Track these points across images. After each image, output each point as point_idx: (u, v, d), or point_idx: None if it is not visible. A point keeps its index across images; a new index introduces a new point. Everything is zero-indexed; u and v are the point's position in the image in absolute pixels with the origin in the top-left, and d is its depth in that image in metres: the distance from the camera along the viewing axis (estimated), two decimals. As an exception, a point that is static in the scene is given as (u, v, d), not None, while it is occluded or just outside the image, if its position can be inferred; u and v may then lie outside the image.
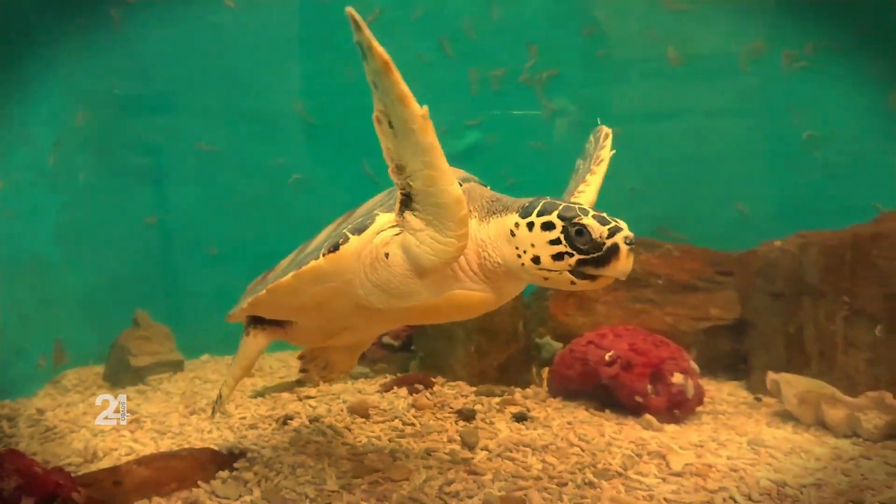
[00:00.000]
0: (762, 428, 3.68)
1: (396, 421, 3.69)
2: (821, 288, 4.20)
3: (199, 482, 2.81)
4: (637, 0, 6.05)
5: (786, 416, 3.83)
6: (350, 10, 1.70)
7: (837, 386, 3.86)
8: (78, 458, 3.18)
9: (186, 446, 3.31)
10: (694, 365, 3.95)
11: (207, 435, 3.55)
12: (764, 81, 5.80)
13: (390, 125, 1.91)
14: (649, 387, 3.80)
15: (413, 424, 3.64)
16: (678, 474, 2.95)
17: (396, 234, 2.18)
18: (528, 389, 4.34)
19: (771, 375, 3.98)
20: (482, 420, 3.70)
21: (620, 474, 2.95)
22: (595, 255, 2.00)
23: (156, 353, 5.00)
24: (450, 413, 3.81)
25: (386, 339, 4.90)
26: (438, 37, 6.02)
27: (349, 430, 3.55)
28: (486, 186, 2.40)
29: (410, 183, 2.01)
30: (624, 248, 1.98)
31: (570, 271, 2.05)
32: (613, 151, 2.77)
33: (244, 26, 5.95)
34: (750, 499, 2.72)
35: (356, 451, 3.19)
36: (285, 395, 4.30)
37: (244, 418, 3.80)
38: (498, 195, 2.31)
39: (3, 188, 4.76)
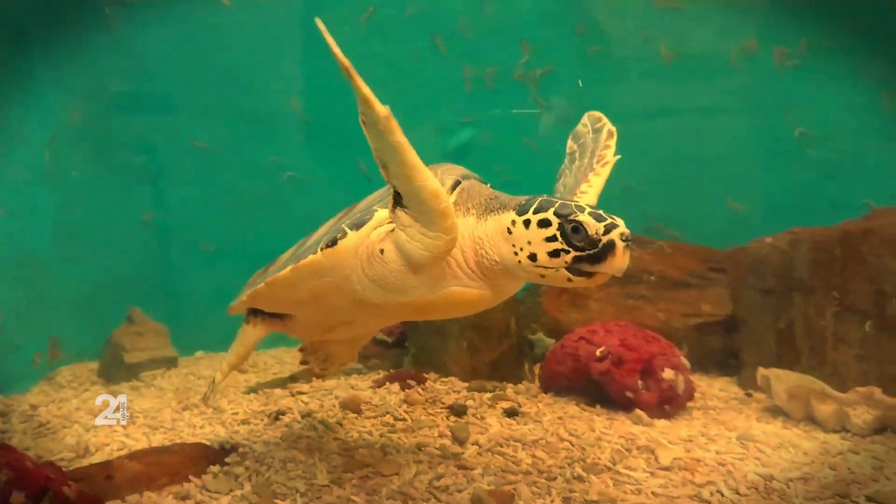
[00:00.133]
0: (752, 423, 3.70)
1: (388, 416, 3.71)
2: (811, 284, 4.21)
3: (191, 477, 2.82)
4: (630, -2, 6.08)
5: (776, 412, 3.85)
6: (318, 20, 1.74)
7: (827, 381, 3.87)
8: (70, 454, 3.19)
9: (178, 441, 3.32)
10: (684, 360, 3.97)
11: (199, 430, 3.56)
12: (757, 79, 5.81)
13: None
14: (640, 382, 3.82)
15: (404, 420, 3.66)
16: (666, 468, 2.98)
17: (391, 231, 2.19)
18: (520, 385, 4.36)
19: (761, 371, 4.00)
20: (473, 415, 3.72)
21: (609, 468, 2.97)
22: (591, 252, 2.00)
23: (149, 350, 5.01)
24: (441, 408, 3.83)
25: (380, 336, 4.90)
26: (432, 34, 6.03)
27: (341, 425, 3.56)
28: (486, 184, 2.41)
29: (393, 181, 2.03)
30: (620, 244, 1.98)
31: (566, 268, 2.05)
32: (618, 157, 2.73)
33: (240, 25, 5.95)
34: (737, 492, 2.74)
35: (347, 446, 3.21)
36: (278, 390, 4.32)
37: (236, 414, 3.82)
38: (496, 193, 2.31)
39: (-1, 186, 4.78)
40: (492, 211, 2.21)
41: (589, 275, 2.05)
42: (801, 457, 3.14)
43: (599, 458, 3.08)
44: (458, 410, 3.75)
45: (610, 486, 2.79)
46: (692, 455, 3.13)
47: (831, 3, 5.23)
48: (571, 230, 2.01)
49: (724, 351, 4.79)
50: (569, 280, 2.07)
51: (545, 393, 4.20)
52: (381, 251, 2.20)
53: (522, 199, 2.17)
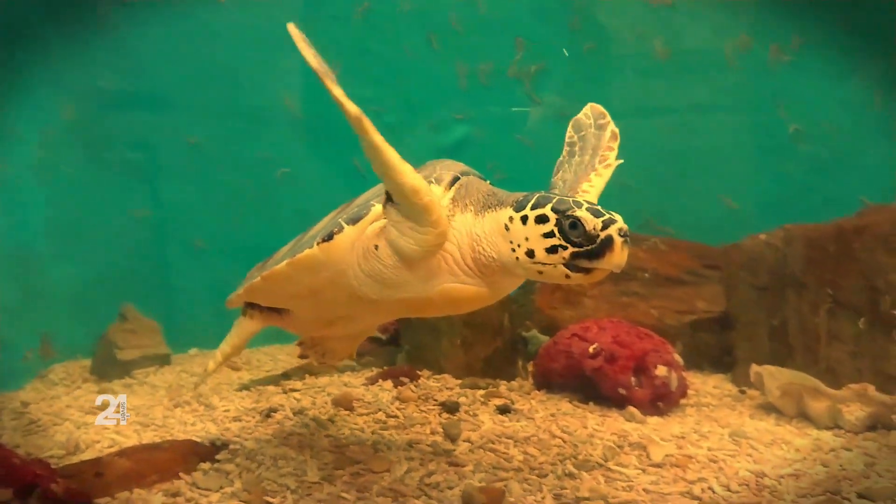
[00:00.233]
0: (745, 420, 3.70)
1: (380, 413, 3.69)
2: (804, 281, 4.22)
3: (181, 474, 2.80)
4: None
5: (769, 409, 3.85)
6: (289, 26, 1.76)
7: (821, 378, 3.88)
8: (60, 451, 3.17)
9: (169, 438, 3.30)
10: (678, 357, 3.97)
11: (191, 427, 3.54)
12: (750, 76, 5.81)
13: None
14: (633, 379, 3.82)
15: (396, 417, 3.65)
16: (658, 465, 2.98)
17: (385, 226, 2.18)
18: (513, 382, 4.35)
19: (754, 368, 4.00)
20: (466, 412, 3.71)
21: (601, 465, 2.97)
22: (589, 248, 1.98)
23: (142, 347, 4.99)
24: (434, 405, 3.83)
25: (374, 333, 4.89)
26: (426, 31, 6.02)
27: (332, 422, 3.55)
28: (485, 181, 2.40)
29: (379, 178, 2.02)
30: (618, 240, 1.96)
31: (564, 265, 2.03)
32: (621, 161, 2.71)
33: (234, 22, 5.93)
34: (728, 489, 2.73)
35: (338, 443, 3.20)
36: (270, 388, 4.30)
37: (228, 411, 3.80)
38: (494, 189, 2.30)
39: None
40: (489, 207, 2.20)
41: (587, 271, 2.03)
42: (793, 453, 3.14)
43: (591, 455, 3.08)
44: (451, 407, 3.74)
45: (601, 483, 2.79)
46: (684, 452, 3.12)
47: (825, 0, 5.23)
48: (569, 226, 1.99)
49: (718, 348, 4.79)
50: (567, 276, 2.05)
51: (538, 390, 4.20)
52: (376, 247, 2.19)
53: (520, 195, 2.16)
